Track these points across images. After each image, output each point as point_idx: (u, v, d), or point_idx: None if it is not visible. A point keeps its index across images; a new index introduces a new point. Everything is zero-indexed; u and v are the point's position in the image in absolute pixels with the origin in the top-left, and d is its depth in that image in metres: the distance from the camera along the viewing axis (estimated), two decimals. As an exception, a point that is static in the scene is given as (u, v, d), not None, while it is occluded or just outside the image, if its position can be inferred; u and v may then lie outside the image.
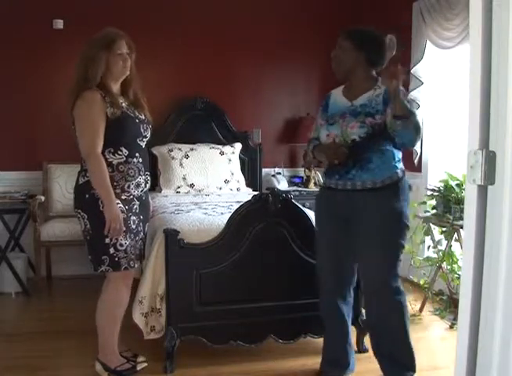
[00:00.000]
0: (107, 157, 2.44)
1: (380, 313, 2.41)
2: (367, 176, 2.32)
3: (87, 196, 2.44)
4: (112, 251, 2.45)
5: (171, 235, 2.63)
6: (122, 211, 2.44)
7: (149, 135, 2.61)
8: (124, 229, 2.44)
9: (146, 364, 2.68)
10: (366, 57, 2.38)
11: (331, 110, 2.48)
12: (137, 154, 2.51)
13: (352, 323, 2.71)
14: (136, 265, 2.59)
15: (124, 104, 2.51)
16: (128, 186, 2.49)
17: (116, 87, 2.53)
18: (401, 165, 2.40)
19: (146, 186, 2.59)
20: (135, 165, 2.50)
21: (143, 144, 2.58)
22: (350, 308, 2.60)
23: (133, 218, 2.52)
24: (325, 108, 2.54)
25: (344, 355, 2.59)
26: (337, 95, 2.51)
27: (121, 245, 2.46)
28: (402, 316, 2.39)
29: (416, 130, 2.23)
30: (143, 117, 2.59)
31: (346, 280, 2.53)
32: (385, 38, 2.40)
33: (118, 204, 2.43)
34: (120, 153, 2.46)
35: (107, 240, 2.43)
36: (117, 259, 2.46)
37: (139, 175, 2.52)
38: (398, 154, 2.39)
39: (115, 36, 2.46)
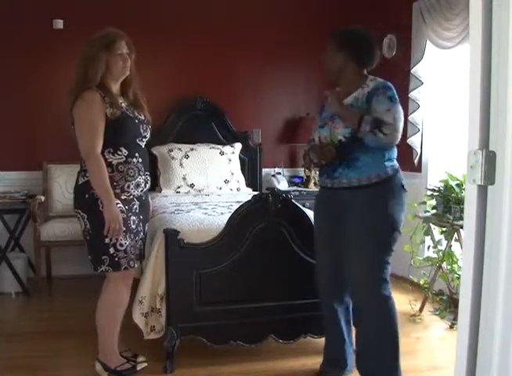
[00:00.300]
0: (107, 157, 2.44)
1: (367, 333, 2.37)
2: (354, 174, 2.30)
3: (86, 196, 2.44)
4: (112, 251, 2.45)
5: (171, 235, 2.63)
6: (122, 211, 2.44)
7: (148, 136, 2.62)
8: (124, 229, 2.44)
9: (145, 364, 2.67)
10: (354, 56, 2.38)
11: (325, 112, 2.51)
12: (136, 154, 2.51)
13: (354, 324, 2.70)
14: (136, 265, 2.59)
15: (123, 104, 2.51)
16: (128, 186, 2.49)
17: (116, 87, 2.53)
18: (392, 164, 2.35)
19: (145, 186, 2.59)
20: (134, 165, 2.50)
21: (143, 144, 2.58)
22: (348, 309, 2.57)
23: (133, 218, 2.52)
24: (321, 110, 2.58)
25: (343, 355, 2.58)
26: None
27: (121, 245, 2.46)
28: (391, 336, 2.32)
29: (375, 135, 2.21)
30: (143, 117, 2.59)
31: (343, 282, 2.48)
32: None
33: (118, 204, 2.43)
34: (119, 153, 2.46)
35: (107, 240, 2.42)
36: (117, 259, 2.46)
37: (139, 175, 2.52)
38: (391, 153, 2.36)
39: (115, 36, 2.46)
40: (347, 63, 2.40)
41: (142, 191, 2.57)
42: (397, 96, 2.34)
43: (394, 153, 2.39)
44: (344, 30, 2.45)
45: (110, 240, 2.43)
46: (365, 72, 2.45)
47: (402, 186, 2.36)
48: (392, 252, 2.34)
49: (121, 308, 2.59)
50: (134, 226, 2.53)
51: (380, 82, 2.37)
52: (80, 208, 2.48)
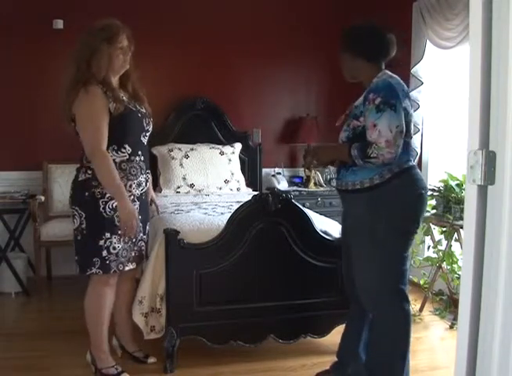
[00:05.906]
0: (111, 154, 2.37)
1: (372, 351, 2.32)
2: (350, 177, 2.25)
3: (86, 194, 2.38)
4: (105, 253, 2.39)
5: (171, 235, 2.62)
6: None
7: (151, 129, 2.57)
8: (121, 232, 2.38)
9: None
10: (359, 54, 2.27)
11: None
12: (139, 152, 2.47)
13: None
14: (126, 268, 2.51)
15: (124, 98, 2.46)
16: (130, 186, 2.44)
17: (115, 80, 2.47)
18: (390, 167, 2.17)
19: (145, 185, 2.56)
20: (137, 164, 2.46)
21: (145, 140, 2.53)
22: (363, 312, 2.44)
23: None
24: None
25: (349, 360, 2.50)
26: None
27: (114, 248, 2.41)
28: (396, 356, 2.28)
29: (370, 163, 2.14)
30: (144, 110, 2.54)
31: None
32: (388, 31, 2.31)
33: None
34: (123, 150, 2.41)
35: (101, 242, 2.37)
36: (107, 262, 2.41)
37: (141, 174, 2.49)
38: None
39: (117, 29, 2.41)
40: (355, 62, 2.29)
41: (142, 190, 2.53)
42: (392, 97, 2.16)
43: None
44: (344, 31, 2.37)
45: (105, 242, 2.37)
46: (382, 66, 2.30)
47: (408, 190, 2.21)
48: (394, 261, 2.24)
49: (106, 309, 2.53)
50: None
51: (375, 82, 2.23)
52: (78, 206, 2.41)
